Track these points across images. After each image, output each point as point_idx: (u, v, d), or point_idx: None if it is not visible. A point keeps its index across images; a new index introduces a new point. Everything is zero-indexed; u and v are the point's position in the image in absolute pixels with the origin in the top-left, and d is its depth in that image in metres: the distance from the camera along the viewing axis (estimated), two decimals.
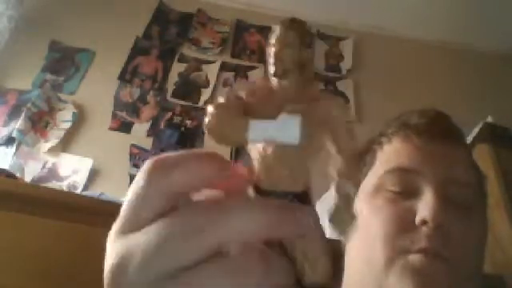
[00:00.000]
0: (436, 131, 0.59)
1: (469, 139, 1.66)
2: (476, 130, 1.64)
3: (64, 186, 1.78)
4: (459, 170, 0.57)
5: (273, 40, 0.30)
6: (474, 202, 0.56)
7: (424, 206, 0.52)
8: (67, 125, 1.95)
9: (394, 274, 0.51)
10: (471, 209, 0.55)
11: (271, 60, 0.30)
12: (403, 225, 0.53)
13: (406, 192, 0.55)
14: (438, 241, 0.51)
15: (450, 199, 0.53)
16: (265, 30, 2.47)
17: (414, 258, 0.51)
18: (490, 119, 1.66)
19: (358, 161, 0.64)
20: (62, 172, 1.83)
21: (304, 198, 0.30)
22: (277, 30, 0.30)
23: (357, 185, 0.62)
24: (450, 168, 0.56)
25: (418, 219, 0.52)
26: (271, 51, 0.30)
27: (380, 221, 0.54)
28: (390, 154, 0.59)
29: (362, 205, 0.58)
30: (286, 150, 0.29)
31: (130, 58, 2.24)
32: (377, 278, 0.53)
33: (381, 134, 0.63)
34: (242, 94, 0.31)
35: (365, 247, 0.56)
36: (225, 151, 1.99)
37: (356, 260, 0.58)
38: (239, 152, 2.00)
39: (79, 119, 1.99)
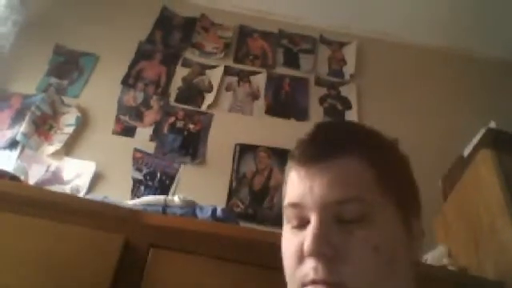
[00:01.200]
0: (321, 154, 0.58)
1: (472, 145, 1.66)
2: (479, 136, 1.64)
3: (67, 189, 1.78)
4: (339, 188, 0.56)
5: None
6: (365, 211, 0.55)
7: (306, 238, 0.53)
8: (71, 128, 1.96)
9: None
10: (364, 220, 0.54)
11: None
12: (298, 259, 0.55)
13: (301, 224, 0.57)
14: (324, 269, 0.52)
15: (339, 218, 0.54)
16: (268, 35, 2.48)
17: None
18: (492, 125, 1.66)
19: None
20: (66, 175, 1.83)
21: None
22: None
23: None
24: (328, 190, 0.55)
25: (304, 253, 0.54)
26: None
27: (285, 256, 0.58)
28: (290, 185, 0.61)
29: (282, 233, 0.61)
30: None
31: (134, 62, 2.25)
32: None
33: (290, 154, 0.64)
34: None
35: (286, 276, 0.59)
36: (228, 154, 1.99)
37: None
38: (242, 154, 2.00)
39: (83, 123, 2.00)
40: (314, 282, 0.52)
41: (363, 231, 0.54)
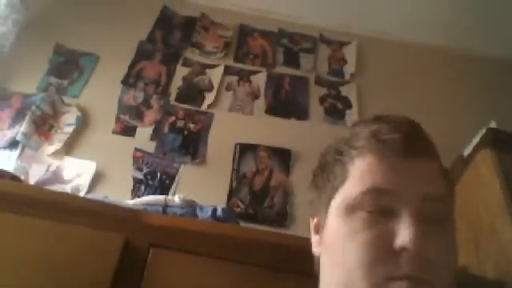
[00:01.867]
0: (410, 148, 0.57)
1: (472, 144, 1.66)
2: (479, 136, 1.63)
3: (68, 188, 1.78)
4: (434, 185, 0.57)
5: None
6: (444, 214, 0.56)
7: (403, 231, 0.52)
8: (71, 128, 1.96)
9: None
10: (442, 221, 0.56)
11: None
12: (383, 250, 0.52)
13: (383, 213, 0.54)
14: (420, 266, 0.51)
15: (425, 216, 0.54)
16: (269, 35, 2.48)
17: (398, 285, 0.51)
18: (493, 124, 1.65)
19: (325, 170, 0.64)
20: (66, 175, 1.83)
21: None
22: None
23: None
24: (424, 186, 0.56)
25: (398, 245, 0.52)
26: None
27: (358, 245, 0.53)
28: (364, 172, 0.58)
29: (338, 224, 0.58)
30: None
31: (134, 61, 2.25)
32: None
33: (349, 145, 0.62)
34: None
35: (342, 272, 0.55)
36: (228, 154, 1.99)
37: (333, 283, 0.57)
38: (242, 154, 2.00)
39: (83, 123, 2.00)
40: (406, 277, 0.50)
41: (444, 232, 0.55)
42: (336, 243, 0.57)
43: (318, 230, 0.64)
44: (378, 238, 0.53)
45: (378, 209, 0.54)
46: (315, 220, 0.65)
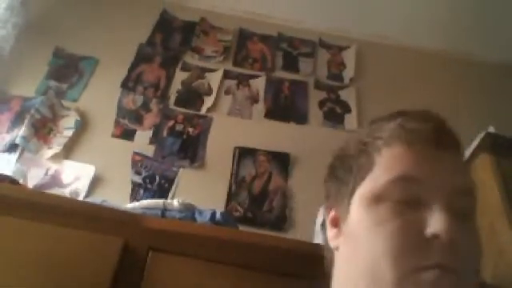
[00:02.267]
0: (441, 139, 0.56)
1: (470, 149, 1.66)
2: (477, 140, 1.64)
3: (66, 192, 1.78)
4: (461, 178, 0.56)
5: None
6: (472, 209, 0.56)
7: (436, 219, 0.51)
8: (70, 132, 1.96)
9: None
10: (469, 216, 0.55)
11: None
12: (412, 239, 0.51)
13: (411, 203, 0.53)
14: (451, 255, 0.50)
15: (455, 209, 0.52)
16: (268, 39, 2.49)
17: (428, 274, 0.49)
18: (491, 129, 1.66)
19: (348, 161, 0.62)
20: (65, 179, 1.83)
21: None
22: None
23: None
24: (453, 178, 0.55)
25: (429, 233, 0.50)
26: None
27: (386, 235, 0.52)
28: (392, 161, 0.56)
29: (362, 214, 0.56)
30: None
31: (133, 65, 2.26)
32: None
33: (374, 136, 0.60)
34: None
35: (368, 262, 0.53)
36: (227, 158, 1.99)
37: (355, 273, 0.55)
38: (241, 157, 2.00)
39: (82, 126, 2.00)
40: (437, 266, 0.49)
41: (471, 226, 0.54)
42: (359, 233, 0.55)
43: (336, 223, 0.62)
44: (407, 226, 0.51)
45: (406, 198, 0.53)
46: (332, 213, 0.63)
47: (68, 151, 1.92)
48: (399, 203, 0.53)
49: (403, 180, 0.54)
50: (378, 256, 0.51)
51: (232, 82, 2.29)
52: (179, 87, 2.23)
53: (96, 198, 1.41)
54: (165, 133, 2.06)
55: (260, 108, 2.21)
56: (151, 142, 2.02)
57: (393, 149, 0.57)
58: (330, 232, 0.63)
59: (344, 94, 2.32)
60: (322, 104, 2.28)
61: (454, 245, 0.50)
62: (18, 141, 1.85)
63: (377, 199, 0.54)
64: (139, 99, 2.15)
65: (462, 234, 0.51)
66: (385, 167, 0.56)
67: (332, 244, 0.62)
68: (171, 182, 1.91)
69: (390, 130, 0.59)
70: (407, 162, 0.55)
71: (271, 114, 2.20)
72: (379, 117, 0.64)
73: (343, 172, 0.62)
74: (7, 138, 1.88)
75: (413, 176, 0.54)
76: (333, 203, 0.64)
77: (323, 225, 0.67)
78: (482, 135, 1.63)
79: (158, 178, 1.91)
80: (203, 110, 2.15)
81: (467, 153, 1.67)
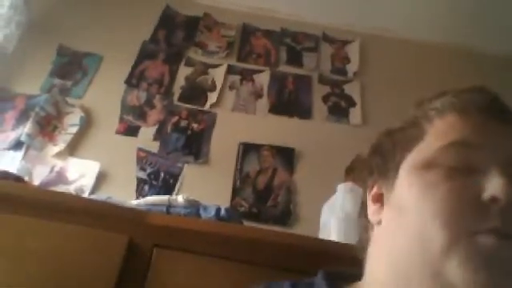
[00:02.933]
0: (496, 110, 0.54)
1: None
2: None
3: (71, 189, 1.79)
4: None
5: None
6: None
7: (494, 183, 0.46)
8: (75, 129, 1.96)
9: (456, 258, 0.44)
10: None
11: None
12: (467, 201, 0.47)
13: (466, 168, 0.49)
14: (511, 221, 0.45)
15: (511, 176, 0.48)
16: (271, 34, 2.48)
17: (484, 239, 0.44)
18: None
19: (394, 136, 0.60)
20: (70, 176, 1.84)
21: None
22: None
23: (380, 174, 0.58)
24: (509, 146, 0.51)
25: (487, 195, 0.46)
26: None
27: (438, 197, 0.48)
28: (445, 128, 0.53)
29: (411, 180, 0.52)
30: None
31: (137, 62, 2.26)
32: (430, 262, 0.46)
33: (425, 108, 0.58)
34: None
35: (416, 227, 0.49)
36: (231, 153, 1.99)
37: (401, 240, 0.51)
38: (245, 153, 2.00)
39: (86, 123, 2.00)
40: (495, 231, 0.44)
41: None
42: (407, 200, 0.51)
43: (379, 198, 0.58)
44: (462, 188, 0.48)
45: (460, 164, 0.49)
46: (375, 189, 0.59)
47: (73, 148, 1.93)
48: (452, 169, 0.49)
49: (457, 145, 0.51)
50: (427, 219, 0.47)
51: (236, 78, 2.29)
52: (183, 83, 2.23)
53: (101, 195, 1.42)
54: (169, 129, 2.06)
55: (264, 103, 2.21)
56: (155, 139, 2.02)
57: (446, 118, 0.54)
58: (371, 208, 0.59)
59: (348, 88, 2.31)
60: (326, 98, 2.27)
61: None
62: (23, 138, 1.86)
63: (428, 165, 0.51)
64: (143, 96, 2.15)
65: None
66: (437, 135, 0.53)
67: (373, 219, 0.58)
68: (176, 177, 1.91)
69: (443, 101, 0.57)
70: (461, 128, 0.52)
71: (275, 109, 2.20)
72: (427, 96, 0.60)
73: (390, 146, 0.59)
74: (12, 136, 1.89)
75: (467, 141, 0.51)
76: (376, 179, 0.60)
77: (361, 206, 0.63)
78: None
79: (162, 174, 1.91)
80: (207, 106, 2.15)
81: None
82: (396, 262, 0.51)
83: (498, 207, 0.45)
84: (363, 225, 0.60)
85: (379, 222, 0.56)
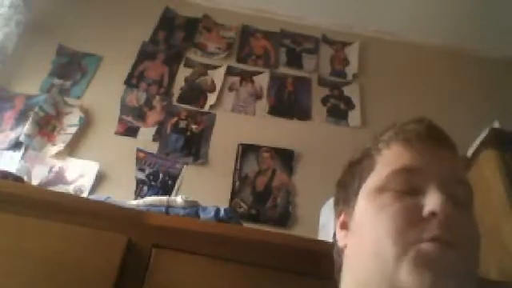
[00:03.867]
0: (435, 137, 0.63)
1: (475, 145, 1.65)
2: (482, 136, 1.63)
3: (70, 189, 1.78)
4: (457, 169, 0.62)
5: None
6: (469, 200, 0.60)
7: (432, 200, 0.55)
8: (74, 129, 1.96)
9: (405, 266, 0.52)
10: (467, 206, 0.59)
11: None
12: (411, 218, 0.55)
13: (411, 190, 0.57)
14: (449, 230, 0.53)
15: (452, 196, 0.56)
16: (271, 35, 2.48)
17: (427, 246, 0.52)
18: (496, 124, 1.65)
19: (353, 166, 0.68)
20: (69, 176, 1.84)
21: None
22: None
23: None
24: (450, 168, 0.60)
25: (426, 211, 0.54)
26: None
27: (388, 216, 0.56)
28: (392, 157, 0.62)
29: (366, 204, 0.61)
30: None
31: (137, 62, 2.26)
32: (386, 273, 0.53)
33: (376, 141, 0.67)
34: None
35: (372, 244, 0.56)
36: (230, 154, 1.99)
37: (362, 258, 0.58)
38: (245, 154, 2.00)
39: (86, 123, 2.00)
40: (435, 239, 0.52)
41: (469, 216, 0.58)
42: (364, 222, 0.60)
43: (345, 225, 0.66)
44: (407, 208, 0.56)
45: (406, 188, 0.58)
46: (341, 218, 0.68)
47: (72, 148, 1.93)
48: (399, 192, 0.58)
49: (403, 171, 0.59)
50: (381, 236, 0.55)
51: (235, 79, 2.29)
52: (182, 84, 2.23)
53: (100, 195, 1.42)
54: (168, 130, 2.06)
55: (263, 104, 2.21)
56: (155, 139, 2.02)
57: (391, 148, 0.63)
58: (339, 235, 0.67)
59: (347, 91, 2.32)
60: (325, 100, 2.27)
61: (450, 221, 0.53)
62: (22, 138, 1.86)
63: (380, 190, 0.60)
64: (142, 96, 2.15)
65: (458, 215, 0.55)
66: (385, 163, 0.62)
67: (341, 244, 0.66)
68: (175, 178, 1.91)
69: (389, 134, 0.65)
70: (405, 156, 0.61)
71: (275, 110, 2.20)
72: (386, 126, 0.69)
73: (349, 178, 0.68)
74: (11, 136, 1.89)
75: (409, 167, 0.59)
76: (341, 208, 0.69)
77: (333, 235, 0.71)
78: (486, 131, 1.62)
79: (161, 175, 1.91)
80: (206, 107, 2.15)
81: (471, 149, 1.67)
82: (359, 281, 0.59)
83: (437, 220, 0.53)
84: (336, 250, 0.68)
85: (345, 246, 0.64)
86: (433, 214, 0.54)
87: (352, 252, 0.62)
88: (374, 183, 0.61)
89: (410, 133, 0.63)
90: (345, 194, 0.68)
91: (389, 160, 0.62)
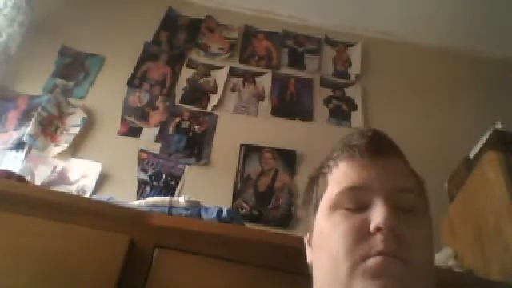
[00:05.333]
0: (375, 148, 0.65)
1: (478, 146, 1.65)
2: (485, 137, 1.63)
3: (73, 189, 1.79)
4: (401, 178, 0.64)
5: None
6: (417, 205, 0.62)
7: (376, 215, 0.58)
8: (77, 129, 1.96)
9: (356, 280, 0.56)
10: (415, 211, 0.61)
11: None
12: (360, 235, 0.58)
13: (359, 207, 0.61)
14: (393, 243, 0.56)
15: (397, 206, 0.59)
16: (273, 36, 2.48)
17: (373, 260, 0.56)
18: (498, 126, 1.65)
19: (311, 184, 0.72)
20: (72, 176, 1.84)
21: None
22: None
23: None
24: (393, 178, 0.63)
25: (372, 227, 0.57)
26: None
27: (339, 235, 0.59)
28: (340, 176, 0.65)
29: (323, 222, 0.64)
30: None
31: (139, 63, 2.26)
32: (343, 286, 0.57)
33: (328, 158, 0.70)
34: None
35: (328, 261, 0.60)
36: (233, 155, 1.99)
37: (322, 274, 0.63)
38: (247, 155, 2.00)
39: (88, 124, 2.01)
40: (380, 253, 0.56)
41: (417, 221, 0.61)
42: (322, 239, 0.63)
43: (310, 242, 0.70)
44: (355, 225, 0.59)
45: (354, 205, 0.61)
46: (308, 236, 0.71)
47: (75, 149, 1.93)
48: (349, 209, 0.61)
49: (348, 190, 0.62)
50: (334, 253, 0.59)
51: (238, 80, 2.29)
52: (185, 84, 2.23)
53: (103, 196, 1.42)
54: (171, 130, 2.07)
55: (266, 105, 2.21)
56: (157, 140, 2.03)
57: (340, 167, 0.66)
58: (307, 251, 0.71)
59: (350, 91, 2.32)
60: (327, 101, 2.27)
61: (395, 234, 0.57)
62: (25, 138, 1.86)
63: (332, 208, 0.63)
64: (145, 97, 2.15)
65: (406, 225, 0.58)
66: (336, 182, 0.65)
67: (308, 260, 0.70)
68: (177, 179, 1.92)
69: (337, 151, 0.69)
70: (351, 174, 0.64)
71: (277, 111, 2.20)
72: (340, 138, 0.72)
73: (309, 195, 0.73)
74: (14, 136, 1.90)
75: (356, 185, 0.62)
76: (306, 225, 0.72)
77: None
78: (489, 132, 1.62)
79: (164, 176, 1.91)
80: (209, 108, 2.15)
81: (474, 150, 1.67)
82: None
83: (382, 234, 0.56)
84: (309, 267, 0.70)
85: (311, 263, 0.68)
86: (377, 229, 0.57)
87: (315, 268, 0.66)
88: (327, 202, 0.65)
89: (353, 148, 0.66)
90: (306, 212, 0.72)
91: (337, 179, 0.65)
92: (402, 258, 0.56)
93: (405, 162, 0.68)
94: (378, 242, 0.56)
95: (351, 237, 0.58)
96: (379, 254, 0.56)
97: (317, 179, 0.71)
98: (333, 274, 0.59)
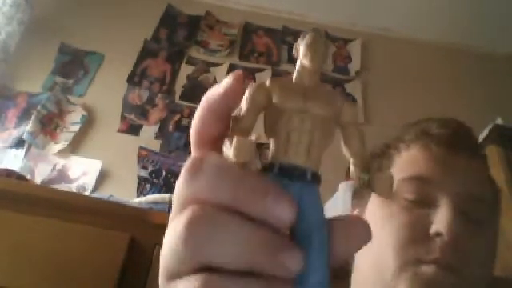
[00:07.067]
0: (456, 143, 0.58)
1: (478, 141, 1.65)
2: (485, 132, 1.63)
3: (73, 187, 1.79)
4: (475, 184, 0.57)
5: (310, 40, 0.30)
6: (486, 218, 0.56)
7: (440, 218, 0.52)
8: (76, 127, 1.96)
9: (404, 282, 0.51)
10: (483, 224, 0.55)
11: (309, 54, 0.29)
12: (417, 234, 0.53)
13: (422, 201, 0.55)
14: (452, 253, 0.51)
15: (464, 213, 0.53)
16: (273, 32, 2.48)
17: (427, 268, 0.51)
18: (499, 121, 1.65)
19: (372, 163, 0.64)
20: (72, 174, 1.84)
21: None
22: (311, 35, 0.31)
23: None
24: (467, 181, 0.56)
25: (433, 230, 0.52)
26: (309, 47, 0.30)
27: (393, 227, 0.54)
28: (408, 161, 0.59)
29: (375, 208, 0.58)
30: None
31: (139, 60, 2.26)
32: (386, 285, 0.53)
33: (398, 139, 0.63)
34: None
35: (375, 253, 0.55)
36: None
37: (365, 265, 0.58)
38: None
39: (88, 121, 2.01)
40: (436, 262, 0.51)
41: (483, 234, 0.55)
42: (372, 227, 0.57)
43: None
44: (414, 221, 0.53)
45: (417, 197, 0.55)
46: (355, 212, 0.65)
47: (75, 146, 1.93)
48: (410, 201, 0.55)
49: (416, 179, 0.56)
50: (384, 246, 0.54)
51: None
52: (185, 81, 2.23)
53: (103, 193, 1.42)
54: (171, 127, 2.07)
55: None
56: (157, 137, 2.03)
57: (410, 151, 0.60)
58: None
59: (350, 87, 2.31)
60: None
61: (456, 244, 0.51)
62: (24, 137, 1.86)
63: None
64: (145, 94, 2.15)
65: (469, 237, 0.52)
66: (401, 167, 0.59)
67: None
68: (177, 176, 1.90)
69: (412, 134, 0.61)
70: (421, 163, 0.57)
71: None
72: (409, 122, 0.66)
73: None
74: (14, 134, 1.90)
75: (424, 176, 0.56)
76: (356, 201, 0.67)
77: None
78: (489, 127, 1.62)
79: (164, 173, 1.91)
80: None
81: None
82: (362, 286, 0.58)
83: (442, 241, 0.51)
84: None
85: None
86: (438, 235, 0.52)
87: (359, 257, 0.60)
88: None
89: (431, 137, 0.59)
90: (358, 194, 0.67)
91: (405, 163, 0.59)
92: (458, 271, 0.51)
93: (487, 168, 0.62)
94: (436, 247, 0.51)
95: (406, 233, 0.53)
96: (434, 262, 0.51)
97: (380, 157, 0.64)
98: (378, 268, 0.54)
